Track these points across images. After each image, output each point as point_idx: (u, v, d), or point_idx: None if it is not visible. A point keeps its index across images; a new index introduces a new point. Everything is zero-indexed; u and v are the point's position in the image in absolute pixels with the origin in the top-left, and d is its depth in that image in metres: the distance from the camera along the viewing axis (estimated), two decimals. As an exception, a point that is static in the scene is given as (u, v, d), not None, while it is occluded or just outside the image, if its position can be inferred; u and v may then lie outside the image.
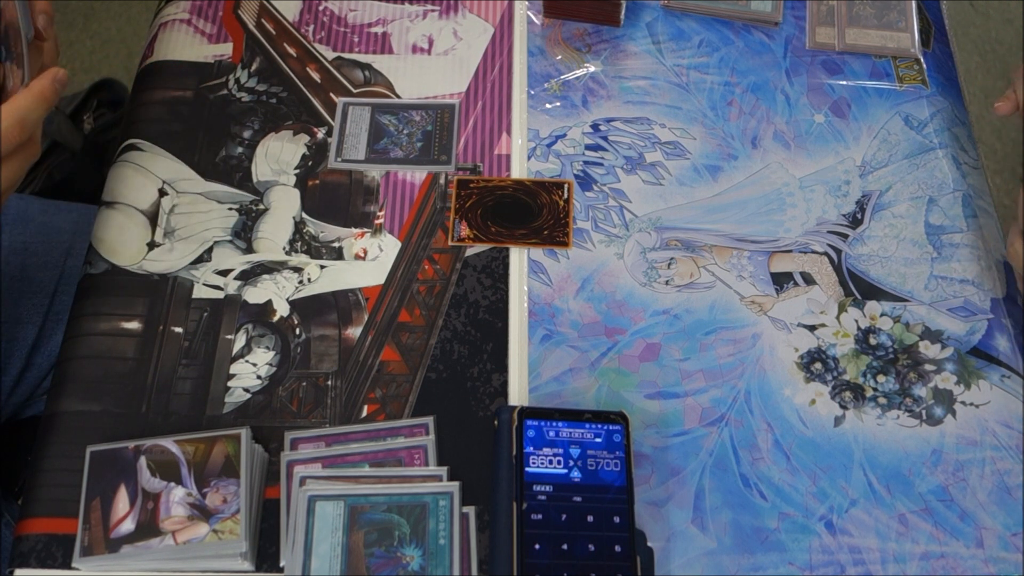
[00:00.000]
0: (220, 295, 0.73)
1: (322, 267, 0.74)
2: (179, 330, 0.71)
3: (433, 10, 0.88)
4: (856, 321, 0.72)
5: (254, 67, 0.84)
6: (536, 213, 0.76)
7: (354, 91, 0.83)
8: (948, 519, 0.64)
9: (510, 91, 0.83)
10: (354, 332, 0.71)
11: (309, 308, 0.72)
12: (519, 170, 0.78)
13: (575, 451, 0.61)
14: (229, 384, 0.69)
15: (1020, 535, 0.64)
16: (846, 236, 0.76)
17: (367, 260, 0.74)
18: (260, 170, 0.79)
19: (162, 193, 0.77)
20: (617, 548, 0.58)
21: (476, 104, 0.82)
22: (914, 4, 0.87)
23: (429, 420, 0.67)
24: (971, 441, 0.67)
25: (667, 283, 0.73)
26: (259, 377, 0.69)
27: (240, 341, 0.71)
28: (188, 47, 0.85)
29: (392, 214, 0.77)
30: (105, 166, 0.80)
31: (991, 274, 0.74)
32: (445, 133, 0.80)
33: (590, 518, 0.59)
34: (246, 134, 0.81)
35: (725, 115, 0.82)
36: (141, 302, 0.72)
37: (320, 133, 0.81)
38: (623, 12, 0.85)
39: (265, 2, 0.88)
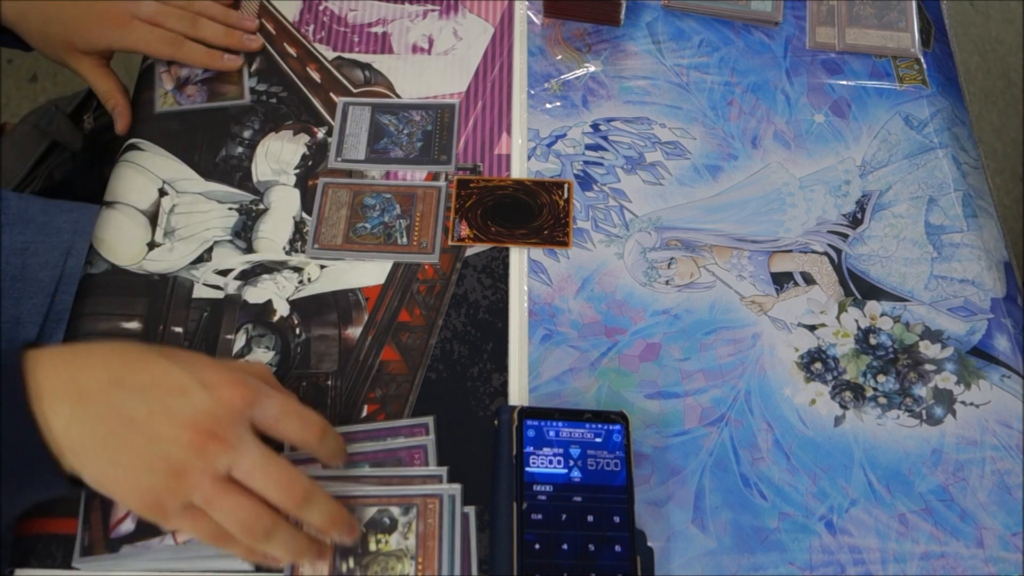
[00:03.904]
0: (220, 295, 0.73)
1: (322, 267, 0.74)
2: (179, 330, 0.71)
3: (433, 10, 0.88)
4: (856, 321, 0.72)
5: (254, 67, 0.84)
6: (536, 213, 0.76)
7: (354, 91, 0.83)
8: (948, 519, 0.64)
9: (510, 91, 0.83)
10: (354, 332, 0.71)
11: (309, 308, 0.72)
12: (519, 170, 0.78)
13: (575, 451, 0.61)
14: (229, 384, 0.69)
15: (1020, 535, 0.64)
16: (846, 236, 0.76)
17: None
18: (260, 170, 0.79)
19: (162, 193, 0.77)
20: (617, 548, 0.58)
21: (476, 104, 0.82)
22: (914, 4, 0.87)
23: (429, 420, 0.67)
24: (971, 441, 0.67)
25: (667, 283, 0.73)
26: (259, 377, 0.69)
27: (240, 341, 0.71)
28: (188, 47, 0.85)
29: (392, 214, 0.77)
30: (105, 166, 0.80)
31: (991, 274, 0.74)
32: (445, 133, 0.80)
33: (590, 518, 0.59)
34: (246, 134, 0.81)
35: (725, 115, 0.82)
36: (141, 302, 0.72)
37: (320, 133, 0.81)
38: (623, 12, 0.85)
39: (265, 2, 0.88)
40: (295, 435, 0.58)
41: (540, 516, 0.59)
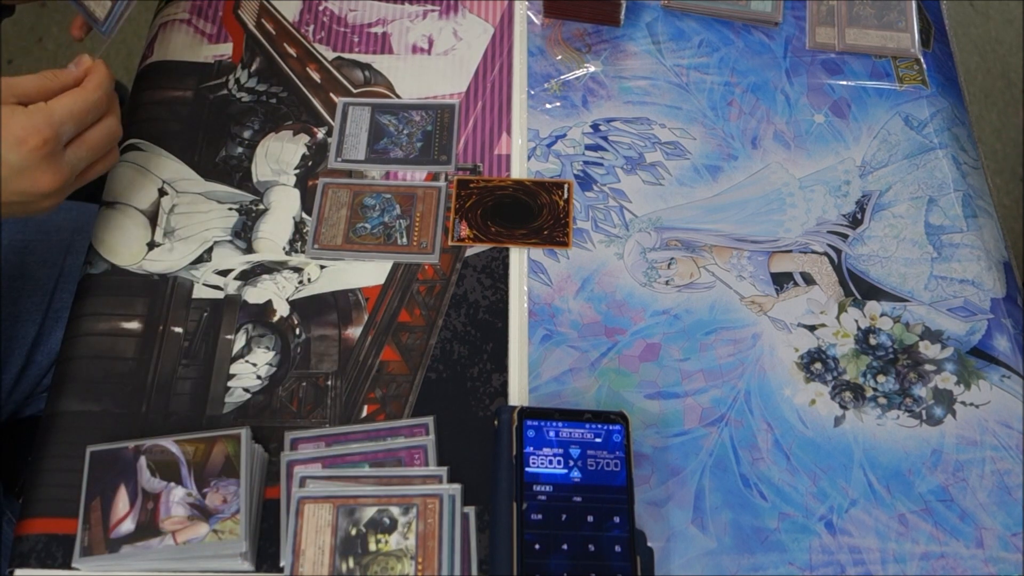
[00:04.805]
0: (220, 295, 0.73)
1: (322, 267, 0.74)
2: (179, 330, 0.71)
3: (433, 10, 0.88)
4: (856, 321, 0.72)
5: (254, 67, 0.84)
6: (536, 213, 0.76)
7: (354, 91, 0.83)
8: (948, 519, 0.64)
9: (510, 91, 0.83)
10: (354, 332, 0.71)
11: (309, 308, 0.72)
12: (519, 170, 0.78)
13: (575, 451, 0.61)
14: (229, 384, 0.69)
15: (1020, 535, 0.64)
16: (846, 236, 0.76)
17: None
18: (260, 170, 0.79)
19: (162, 193, 0.77)
20: (617, 548, 0.58)
21: (476, 104, 0.82)
22: (914, 4, 0.87)
23: (429, 420, 0.67)
24: (971, 441, 0.67)
25: (667, 283, 0.73)
26: (259, 377, 0.69)
27: (240, 341, 0.71)
28: (188, 47, 0.85)
29: (392, 214, 0.77)
30: (105, 166, 0.80)
31: (991, 274, 0.74)
32: (445, 133, 0.80)
33: (590, 518, 0.59)
34: (246, 134, 0.81)
35: (725, 115, 0.82)
36: (141, 302, 0.72)
37: (320, 133, 0.81)
38: (623, 12, 0.85)
39: (265, 2, 0.88)
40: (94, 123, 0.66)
41: (540, 516, 0.59)
